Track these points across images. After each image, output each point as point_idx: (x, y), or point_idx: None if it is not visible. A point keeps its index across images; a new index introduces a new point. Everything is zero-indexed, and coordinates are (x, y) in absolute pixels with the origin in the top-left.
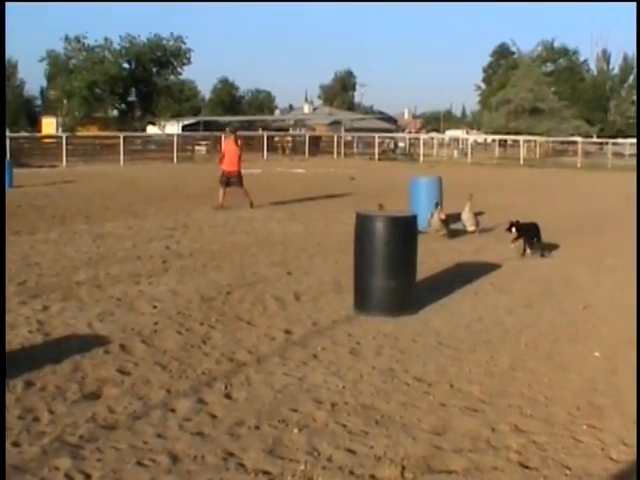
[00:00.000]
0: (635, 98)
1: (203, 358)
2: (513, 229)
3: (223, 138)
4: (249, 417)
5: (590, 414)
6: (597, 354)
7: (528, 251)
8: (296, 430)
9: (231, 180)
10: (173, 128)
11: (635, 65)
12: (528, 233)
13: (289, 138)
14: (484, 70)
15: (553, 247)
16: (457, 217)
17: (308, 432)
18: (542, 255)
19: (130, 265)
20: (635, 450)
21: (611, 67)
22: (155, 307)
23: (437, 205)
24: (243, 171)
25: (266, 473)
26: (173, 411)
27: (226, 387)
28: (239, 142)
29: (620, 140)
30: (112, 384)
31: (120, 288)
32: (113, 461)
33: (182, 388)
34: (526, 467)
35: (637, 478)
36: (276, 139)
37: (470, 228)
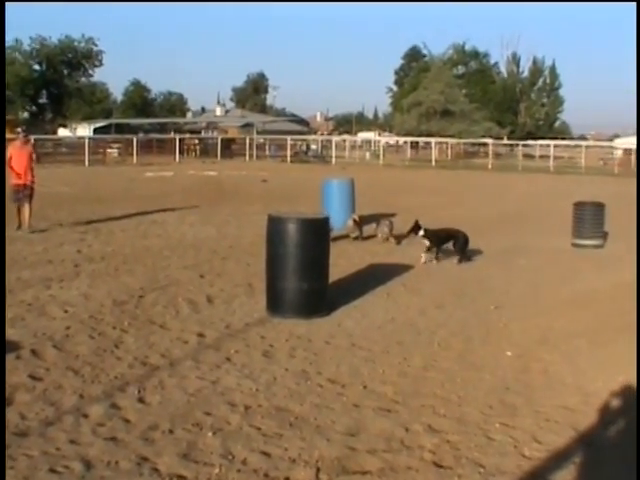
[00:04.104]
0: (545, 101)
1: (116, 362)
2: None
3: (17, 142)
4: (163, 421)
5: (503, 412)
6: (509, 353)
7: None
8: (210, 434)
9: (23, 193)
10: (84, 131)
11: (544, 68)
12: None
13: (196, 141)
14: (396, 72)
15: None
16: (371, 219)
17: (222, 435)
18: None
19: (41, 269)
20: (547, 447)
21: (521, 70)
22: (67, 311)
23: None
24: (153, 174)
25: (181, 477)
26: (86, 416)
27: (139, 391)
28: (32, 147)
29: (530, 142)
30: (24, 390)
31: (31, 293)
32: (25, 468)
33: (95, 393)
34: (440, 466)
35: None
36: (185, 142)
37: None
